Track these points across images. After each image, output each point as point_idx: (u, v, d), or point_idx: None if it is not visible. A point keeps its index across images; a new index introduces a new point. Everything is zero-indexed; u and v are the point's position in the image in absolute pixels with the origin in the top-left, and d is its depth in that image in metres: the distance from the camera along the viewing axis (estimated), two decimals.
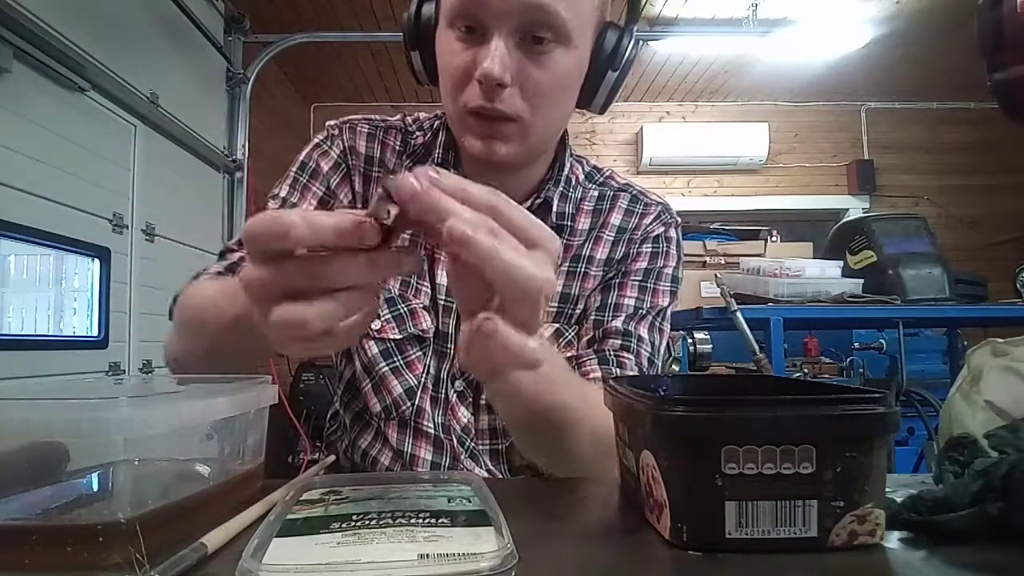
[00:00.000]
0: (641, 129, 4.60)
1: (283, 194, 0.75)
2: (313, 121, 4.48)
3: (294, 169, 0.76)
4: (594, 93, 0.70)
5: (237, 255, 0.72)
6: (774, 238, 3.39)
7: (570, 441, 0.57)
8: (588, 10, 0.65)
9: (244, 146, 2.93)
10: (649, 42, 3.77)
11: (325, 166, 0.75)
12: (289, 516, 0.39)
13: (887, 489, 0.35)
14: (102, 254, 1.97)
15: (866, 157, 4.71)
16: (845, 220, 2.99)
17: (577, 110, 0.72)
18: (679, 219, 0.83)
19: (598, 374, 0.72)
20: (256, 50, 3.03)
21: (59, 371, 1.76)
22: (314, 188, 0.74)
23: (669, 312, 0.79)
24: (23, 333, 1.87)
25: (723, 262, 2.87)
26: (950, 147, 4.68)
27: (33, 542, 0.33)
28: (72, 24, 1.77)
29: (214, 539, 0.34)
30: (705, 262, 2.91)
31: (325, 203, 0.74)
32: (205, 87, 2.69)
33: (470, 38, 0.63)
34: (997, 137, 4.44)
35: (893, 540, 0.36)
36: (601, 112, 0.73)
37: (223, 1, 2.79)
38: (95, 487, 0.41)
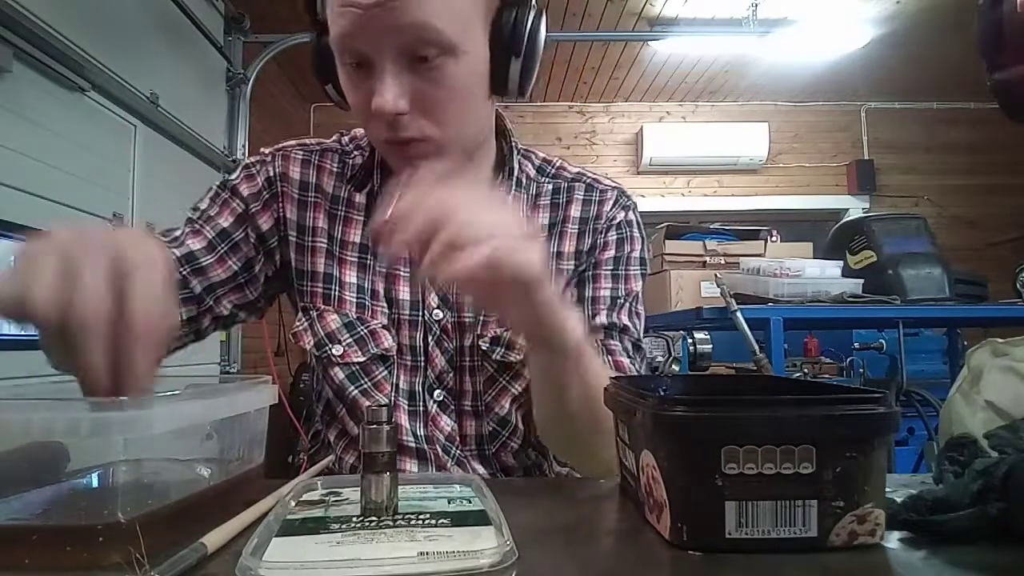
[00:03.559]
0: (641, 129, 4.59)
1: (203, 206, 0.75)
2: (313, 121, 4.47)
3: (217, 184, 0.77)
4: (505, 82, 0.66)
5: (178, 231, 0.73)
6: (774, 238, 3.39)
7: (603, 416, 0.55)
8: (467, 10, 0.61)
9: (244, 146, 2.93)
10: (649, 42, 3.77)
11: (246, 190, 0.75)
12: (289, 516, 0.39)
13: (887, 489, 0.35)
14: None
15: (866, 157, 4.71)
16: (845, 220, 2.99)
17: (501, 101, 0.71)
18: (635, 201, 0.83)
19: None
20: (256, 50, 3.02)
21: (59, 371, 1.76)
22: (233, 205, 0.74)
23: (641, 294, 0.81)
24: (23, 333, 1.87)
25: (723, 262, 2.86)
26: (950, 147, 4.68)
27: (33, 542, 0.33)
28: (72, 24, 1.77)
29: (214, 539, 0.35)
30: (705, 262, 2.90)
31: (242, 221, 0.74)
32: (205, 87, 2.69)
33: (360, 72, 0.62)
34: (997, 137, 4.44)
35: (893, 540, 0.36)
36: (521, 96, 0.69)
37: (223, 1, 2.79)
38: (95, 487, 0.41)
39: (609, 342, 0.76)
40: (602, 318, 0.77)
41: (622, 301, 0.78)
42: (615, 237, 0.79)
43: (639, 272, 0.81)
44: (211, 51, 2.70)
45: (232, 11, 2.87)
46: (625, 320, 0.78)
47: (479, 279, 0.45)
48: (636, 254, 0.80)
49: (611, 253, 0.79)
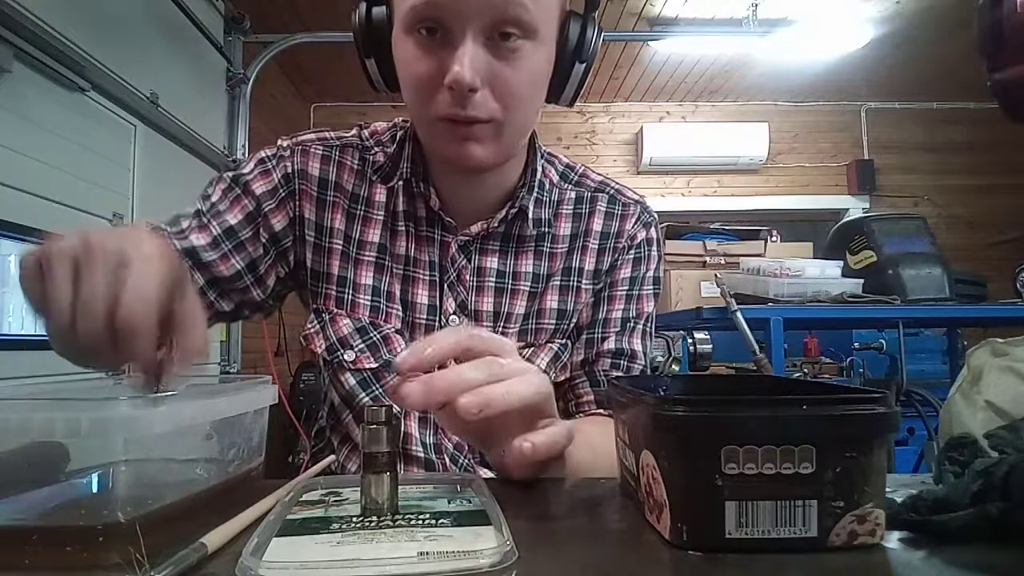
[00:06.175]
0: (641, 129, 4.59)
1: (214, 198, 0.72)
2: (313, 121, 4.48)
3: (229, 175, 0.74)
4: (563, 87, 0.68)
5: (185, 223, 0.71)
6: (774, 238, 3.39)
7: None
8: (552, 2, 0.63)
9: (244, 146, 2.93)
10: (649, 42, 3.77)
11: (259, 188, 0.72)
12: (289, 516, 0.39)
13: (887, 489, 0.35)
14: None
15: (866, 157, 4.71)
16: (845, 220, 2.99)
17: (547, 104, 0.71)
18: (656, 215, 0.82)
19: (591, 397, 0.76)
20: (256, 50, 3.02)
21: (59, 371, 1.75)
22: (244, 202, 0.72)
23: (654, 314, 0.81)
24: (23, 333, 1.87)
25: (723, 262, 2.86)
26: (950, 147, 4.68)
27: (33, 542, 0.33)
28: (72, 24, 1.77)
29: (214, 539, 0.34)
30: (705, 262, 2.90)
31: (252, 220, 0.72)
32: (205, 87, 2.69)
33: (432, 42, 0.60)
34: (997, 137, 4.44)
35: (893, 540, 0.36)
36: (570, 105, 0.70)
37: (223, 1, 2.79)
38: (95, 487, 0.41)
39: (613, 373, 0.76)
40: (611, 343, 0.76)
41: (632, 324, 0.77)
42: (633, 256, 0.79)
43: (653, 292, 0.80)
44: (211, 51, 2.70)
45: (232, 11, 2.87)
46: (636, 344, 0.77)
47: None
48: (651, 274, 0.80)
49: (627, 273, 0.78)
